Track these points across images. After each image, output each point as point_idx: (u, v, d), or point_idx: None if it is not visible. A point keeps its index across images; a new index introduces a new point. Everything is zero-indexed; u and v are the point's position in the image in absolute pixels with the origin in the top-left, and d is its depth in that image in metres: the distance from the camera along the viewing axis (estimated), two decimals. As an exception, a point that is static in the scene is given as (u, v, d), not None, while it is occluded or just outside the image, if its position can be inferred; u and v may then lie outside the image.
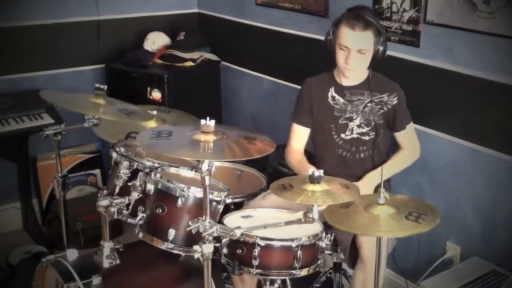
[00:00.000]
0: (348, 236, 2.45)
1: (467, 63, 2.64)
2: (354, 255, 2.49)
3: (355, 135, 2.62)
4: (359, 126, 2.61)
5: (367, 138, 2.62)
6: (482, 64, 2.59)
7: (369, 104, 2.60)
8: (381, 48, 2.53)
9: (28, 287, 2.56)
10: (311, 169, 2.05)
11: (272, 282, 2.24)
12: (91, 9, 3.80)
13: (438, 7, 2.68)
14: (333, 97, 2.64)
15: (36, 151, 3.74)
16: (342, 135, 2.63)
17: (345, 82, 2.64)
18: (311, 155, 2.80)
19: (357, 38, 2.47)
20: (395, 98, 2.59)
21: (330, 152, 2.67)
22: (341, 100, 2.63)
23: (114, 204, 2.26)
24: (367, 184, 2.51)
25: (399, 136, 2.65)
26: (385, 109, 2.59)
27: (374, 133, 2.61)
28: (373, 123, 2.60)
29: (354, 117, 2.62)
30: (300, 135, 2.72)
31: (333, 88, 2.65)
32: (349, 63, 2.51)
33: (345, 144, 2.64)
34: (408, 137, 2.66)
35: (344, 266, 2.76)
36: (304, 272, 2.17)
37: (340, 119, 2.63)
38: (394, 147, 2.70)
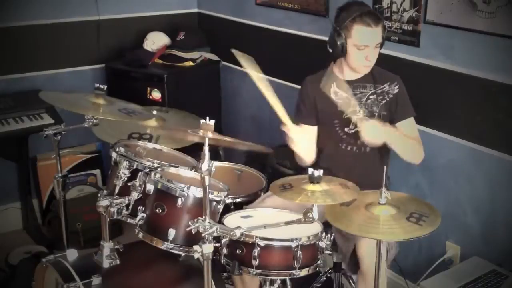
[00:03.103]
0: (349, 245, 2.45)
1: (467, 63, 2.64)
2: (353, 262, 2.48)
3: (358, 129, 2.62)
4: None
5: None
6: (482, 64, 2.59)
7: (371, 96, 2.60)
8: (383, 41, 2.54)
9: (28, 287, 2.56)
10: (310, 169, 2.05)
11: (272, 282, 2.24)
12: (91, 9, 3.80)
13: (438, 7, 2.68)
14: (335, 93, 2.64)
15: (36, 151, 3.74)
16: (346, 129, 2.63)
17: (347, 76, 2.63)
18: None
19: (374, 34, 2.48)
20: (396, 87, 2.60)
21: (335, 147, 2.67)
22: (344, 94, 2.63)
23: (114, 204, 2.25)
24: (374, 128, 2.47)
25: (403, 128, 2.60)
26: (387, 99, 2.59)
27: None
28: (376, 114, 2.60)
29: (357, 111, 2.61)
30: (307, 134, 2.71)
31: (335, 83, 2.65)
32: (370, 60, 2.52)
33: (350, 138, 2.63)
34: (412, 131, 2.62)
35: (344, 265, 2.76)
36: (304, 272, 2.17)
37: (344, 114, 2.63)
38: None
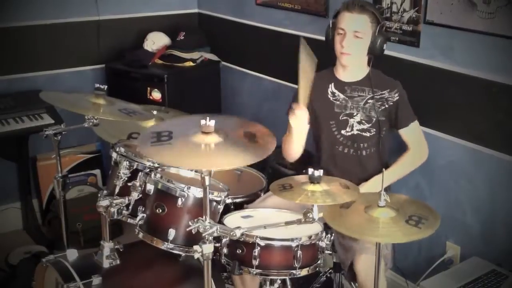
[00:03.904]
0: (347, 256, 2.45)
1: (467, 63, 2.64)
2: (352, 272, 2.48)
3: (355, 132, 2.62)
4: (359, 122, 2.61)
5: (367, 134, 2.62)
6: (482, 64, 2.59)
7: (369, 101, 2.60)
8: (379, 39, 2.53)
9: (28, 287, 2.56)
10: (310, 169, 2.05)
11: (272, 282, 2.24)
12: (91, 9, 3.80)
13: (438, 7, 2.68)
14: (333, 93, 2.64)
15: (36, 151, 3.74)
16: (343, 132, 2.63)
17: (346, 78, 2.64)
18: (311, 155, 2.80)
19: (353, 20, 2.50)
20: (396, 95, 2.60)
21: (331, 149, 2.67)
22: (341, 96, 2.63)
23: (114, 204, 2.26)
24: (370, 188, 2.50)
25: (404, 134, 2.64)
26: (386, 106, 2.60)
27: (375, 129, 2.61)
28: (374, 119, 2.60)
29: (355, 114, 2.62)
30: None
31: (333, 84, 2.66)
32: (344, 45, 2.52)
33: (346, 141, 2.63)
34: (414, 135, 2.65)
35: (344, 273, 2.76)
36: (304, 272, 2.17)
37: (341, 115, 2.63)
38: (400, 146, 2.69)
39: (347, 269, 2.49)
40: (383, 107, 2.60)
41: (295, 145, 2.60)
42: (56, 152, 2.67)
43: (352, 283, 2.69)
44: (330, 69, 2.69)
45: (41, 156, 3.76)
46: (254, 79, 3.86)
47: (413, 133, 2.64)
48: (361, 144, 2.63)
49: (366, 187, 2.51)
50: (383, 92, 2.60)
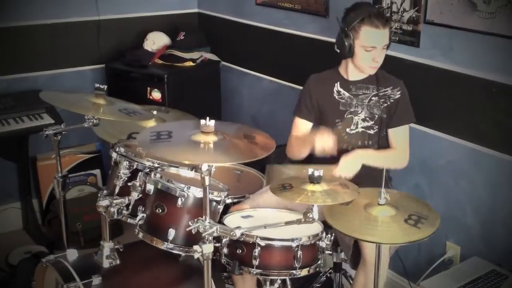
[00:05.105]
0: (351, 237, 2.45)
1: (467, 63, 2.64)
2: (356, 256, 2.48)
3: (360, 129, 2.63)
4: (363, 120, 2.62)
5: (371, 132, 2.63)
6: (482, 64, 2.59)
7: (373, 98, 2.61)
8: (389, 43, 2.56)
9: (28, 287, 2.56)
10: (310, 169, 2.05)
11: (272, 282, 2.24)
12: (91, 9, 3.80)
13: (438, 7, 2.68)
14: (338, 92, 2.65)
15: (36, 151, 3.74)
16: (347, 130, 2.64)
17: (351, 77, 2.65)
18: (312, 154, 2.79)
19: (382, 36, 2.49)
20: (399, 92, 2.61)
21: (337, 148, 2.67)
22: (347, 94, 2.64)
23: (114, 204, 2.26)
24: (351, 160, 2.48)
25: (392, 134, 2.64)
26: (388, 103, 2.61)
27: (377, 126, 2.62)
28: (376, 116, 2.61)
29: (359, 111, 2.63)
30: (301, 128, 2.73)
31: (338, 83, 2.66)
32: (378, 61, 2.53)
33: (351, 139, 2.64)
34: (402, 138, 2.65)
35: (344, 266, 2.76)
36: (304, 272, 2.17)
37: (346, 113, 2.64)
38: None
39: (351, 252, 2.48)
40: (385, 104, 2.61)
41: (307, 150, 2.61)
42: (56, 152, 2.67)
43: (351, 282, 2.69)
44: (335, 69, 2.69)
45: (41, 156, 3.76)
46: (254, 79, 3.86)
47: (401, 135, 2.64)
48: (366, 142, 2.63)
49: (345, 161, 2.48)
50: (386, 89, 2.62)
